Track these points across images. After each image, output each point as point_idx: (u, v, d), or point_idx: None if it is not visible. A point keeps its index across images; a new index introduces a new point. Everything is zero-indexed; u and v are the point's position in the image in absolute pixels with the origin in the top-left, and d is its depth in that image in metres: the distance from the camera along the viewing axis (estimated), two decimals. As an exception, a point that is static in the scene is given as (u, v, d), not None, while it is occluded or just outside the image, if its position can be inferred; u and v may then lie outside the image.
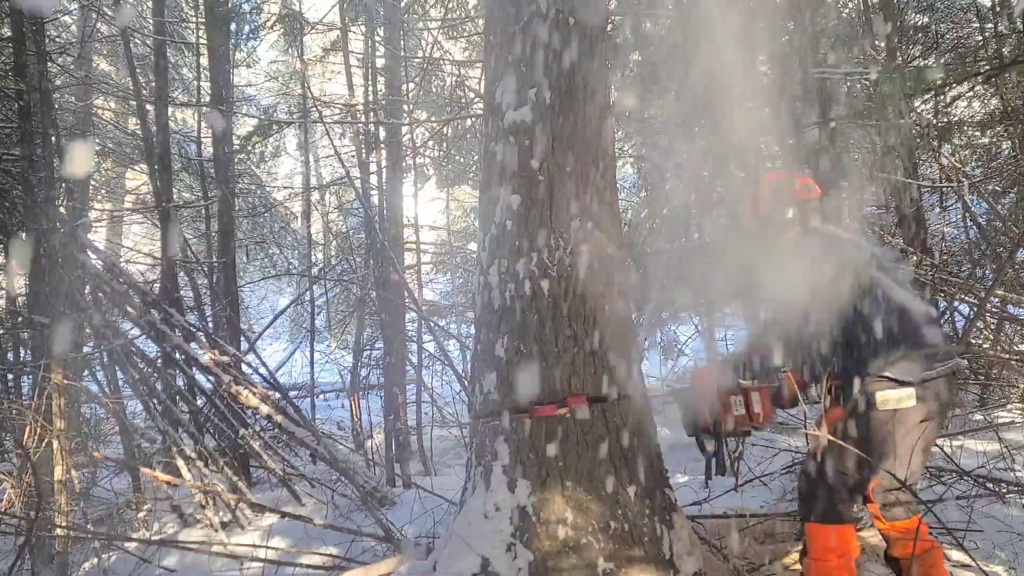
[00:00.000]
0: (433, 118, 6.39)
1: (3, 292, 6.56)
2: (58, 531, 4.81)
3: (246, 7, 8.42)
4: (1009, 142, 5.33)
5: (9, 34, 5.93)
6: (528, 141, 3.56)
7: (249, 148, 8.44)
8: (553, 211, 3.63)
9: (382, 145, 8.58)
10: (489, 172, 3.77)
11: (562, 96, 3.64)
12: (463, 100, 7.83)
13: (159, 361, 6.71)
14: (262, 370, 6.88)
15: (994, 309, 5.75)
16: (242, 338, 7.90)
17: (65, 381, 5.50)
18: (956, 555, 3.82)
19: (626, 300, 4.05)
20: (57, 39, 5.88)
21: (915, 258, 6.05)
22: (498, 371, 3.68)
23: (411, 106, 7.49)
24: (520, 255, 3.59)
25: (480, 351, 3.83)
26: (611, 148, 4.02)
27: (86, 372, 6.42)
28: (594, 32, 3.85)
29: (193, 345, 6.61)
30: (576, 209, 3.64)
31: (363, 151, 8.19)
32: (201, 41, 8.63)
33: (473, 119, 7.25)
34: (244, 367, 6.85)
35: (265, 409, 6.14)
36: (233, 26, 8.27)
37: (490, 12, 3.94)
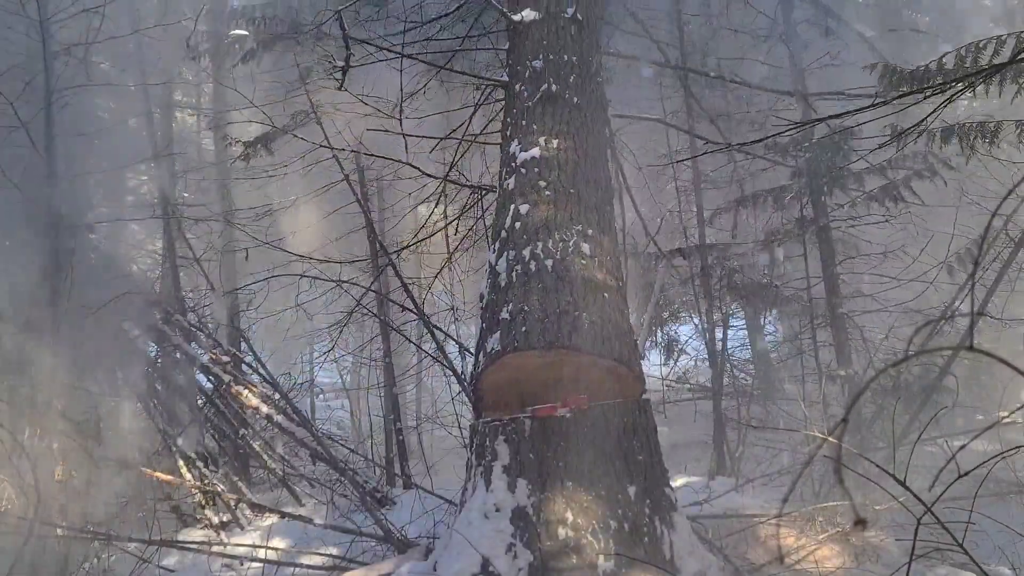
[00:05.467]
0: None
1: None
2: (58, 531, 4.80)
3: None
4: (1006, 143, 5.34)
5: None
6: (537, 169, 4.15)
7: (251, 154, 8.46)
8: (558, 215, 4.06)
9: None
10: (503, 198, 4.29)
11: (566, 137, 4.24)
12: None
13: (159, 361, 6.71)
14: (262, 370, 6.88)
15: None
16: (242, 338, 7.90)
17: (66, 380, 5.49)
18: (957, 556, 3.82)
19: (625, 304, 4.13)
20: (60, 41, 5.87)
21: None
22: (502, 330, 3.86)
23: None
24: (528, 244, 3.98)
25: (485, 327, 4.02)
26: (607, 173, 4.53)
27: (86, 372, 6.41)
28: (595, 83, 4.61)
29: (193, 345, 6.61)
30: (576, 217, 4.07)
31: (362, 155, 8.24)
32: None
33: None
34: (244, 367, 6.85)
35: (265, 409, 6.14)
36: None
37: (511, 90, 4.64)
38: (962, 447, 1.88)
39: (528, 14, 4.61)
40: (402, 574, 4.06)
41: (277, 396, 6.23)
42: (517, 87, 4.51)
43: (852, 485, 4.11)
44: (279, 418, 6.09)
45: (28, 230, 5.90)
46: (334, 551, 4.87)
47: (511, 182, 4.23)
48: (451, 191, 6.38)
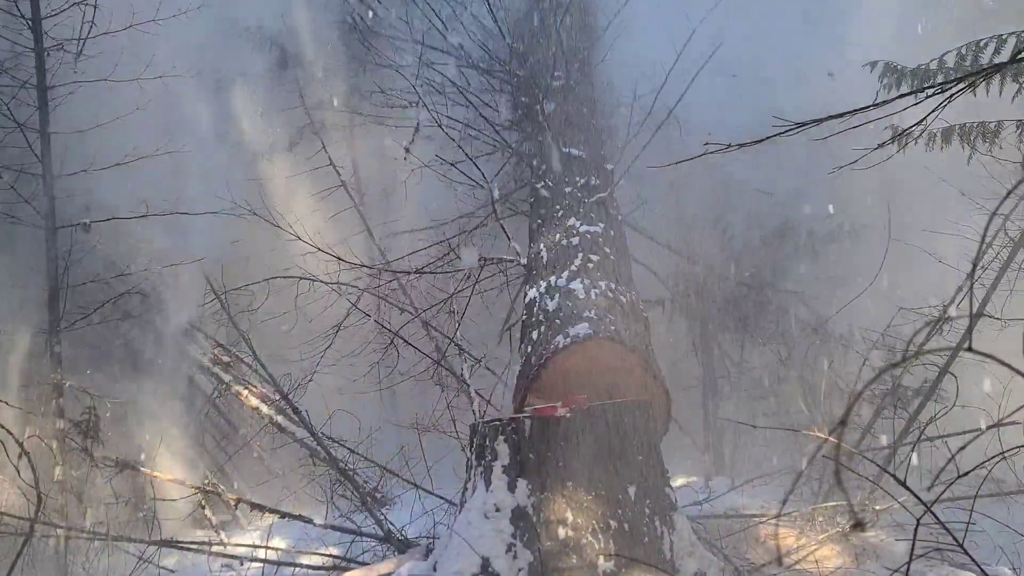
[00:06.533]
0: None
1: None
2: (58, 531, 4.80)
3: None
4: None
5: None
6: (600, 239, 5.35)
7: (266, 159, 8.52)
8: (621, 274, 5.18)
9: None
10: (563, 252, 5.26)
11: (616, 231, 5.69)
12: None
13: (160, 361, 6.70)
14: (262, 370, 6.86)
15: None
16: (242, 338, 7.87)
17: (65, 381, 5.50)
18: (957, 556, 3.82)
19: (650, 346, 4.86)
20: (54, 37, 5.83)
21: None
22: (591, 321, 4.45)
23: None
24: (603, 279, 4.94)
25: (560, 322, 4.59)
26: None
27: (87, 371, 6.41)
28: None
29: (193, 345, 6.61)
30: (630, 284, 5.25)
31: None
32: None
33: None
34: (244, 367, 6.85)
35: (265, 409, 6.14)
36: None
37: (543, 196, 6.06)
38: (962, 448, 1.88)
39: (576, 152, 6.38)
40: (402, 574, 4.06)
41: (277, 396, 6.22)
42: (567, 189, 5.92)
43: (851, 485, 4.11)
44: (279, 418, 6.09)
45: (25, 230, 5.90)
46: (334, 551, 4.86)
47: (575, 240, 5.29)
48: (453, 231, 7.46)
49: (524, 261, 5.94)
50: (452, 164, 6.89)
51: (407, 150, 6.82)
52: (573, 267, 5.05)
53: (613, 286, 4.90)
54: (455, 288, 7.04)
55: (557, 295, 4.85)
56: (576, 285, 4.87)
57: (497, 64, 7.72)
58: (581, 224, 5.46)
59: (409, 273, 7.12)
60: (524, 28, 7.63)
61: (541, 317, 4.81)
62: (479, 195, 7.33)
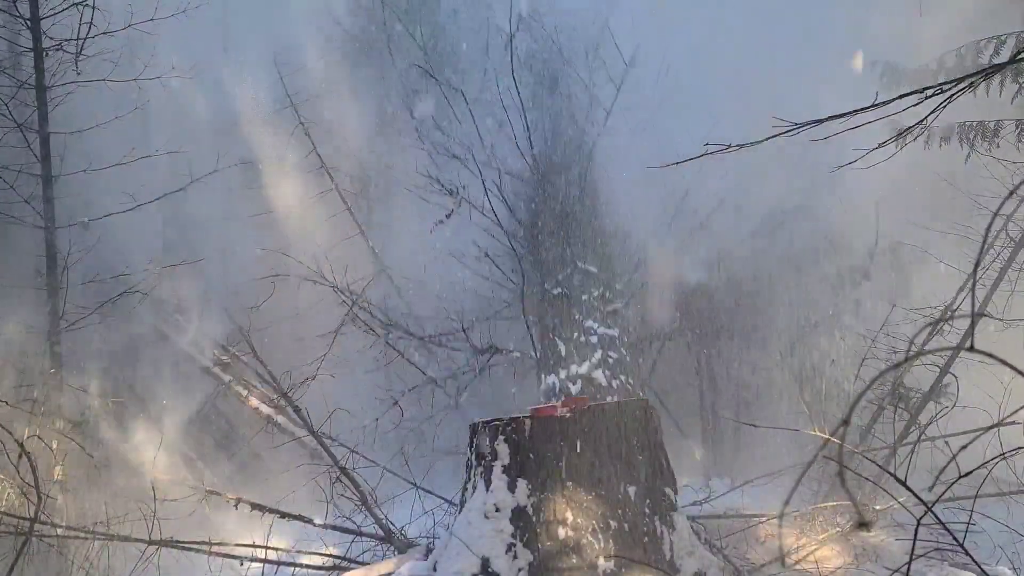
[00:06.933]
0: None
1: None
2: (58, 531, 4.79)
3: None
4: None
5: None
6: (616, 341, 5.90)
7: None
8: (634, 373, 5.87)
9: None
10: (580, 346, 5.77)
11: (626, 330, 6.32)
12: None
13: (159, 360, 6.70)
14: (262, 370, 6.85)
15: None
16: (243, 338, 7.86)
17: (65, 380, 5.50)
18: (957, 556, 3.82)
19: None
20: (52, 37, 5.82)
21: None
22: (610, 396, 5.12)
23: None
24: (622, 374, 5.61)
25: (581, 391, 5.26)
26: None
27: (85, 372, 6.40)
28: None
29: (193, 345, 6.60)
30: (640, 380, 5.89)
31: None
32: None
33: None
34: (244, 367, 6.83)
35: (265, 409, 6.14)
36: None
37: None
38: (963, 447, 1.88)
39: (591, 268, 6.67)
40: (402, 574, 4.06)
41: (277, 396, 6.21)
42: (584, 297, 6.37)
43: (851, 485, 4.10)
44: (279, 418, 6.08)
45: (24, 230, 5.89)
46: (334, 551, 4.86)
47: (594, 339, 5.89)
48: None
49: (536, 351, 6.35)
50: (487, 255, 7.35)
51: (432, 229, 7.27)
52: (593, 360, 5.64)
53: (632, 381, 5.54)
54: (461, 369, 7.48)
55: (579, 380, 5.37)
56: (597, 374, 5.48)
57: (526, 176, 7.92)
58: (599, 327, 6.12)
59: (420, 338, 7.46)
60: (550, 152, 7.86)
61: (563, 399, 5.16)
62: (506, 288, 7.65)
